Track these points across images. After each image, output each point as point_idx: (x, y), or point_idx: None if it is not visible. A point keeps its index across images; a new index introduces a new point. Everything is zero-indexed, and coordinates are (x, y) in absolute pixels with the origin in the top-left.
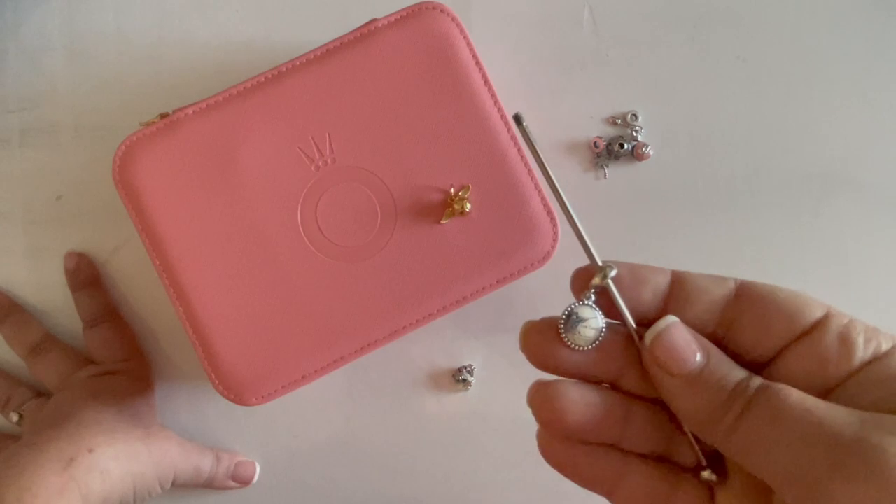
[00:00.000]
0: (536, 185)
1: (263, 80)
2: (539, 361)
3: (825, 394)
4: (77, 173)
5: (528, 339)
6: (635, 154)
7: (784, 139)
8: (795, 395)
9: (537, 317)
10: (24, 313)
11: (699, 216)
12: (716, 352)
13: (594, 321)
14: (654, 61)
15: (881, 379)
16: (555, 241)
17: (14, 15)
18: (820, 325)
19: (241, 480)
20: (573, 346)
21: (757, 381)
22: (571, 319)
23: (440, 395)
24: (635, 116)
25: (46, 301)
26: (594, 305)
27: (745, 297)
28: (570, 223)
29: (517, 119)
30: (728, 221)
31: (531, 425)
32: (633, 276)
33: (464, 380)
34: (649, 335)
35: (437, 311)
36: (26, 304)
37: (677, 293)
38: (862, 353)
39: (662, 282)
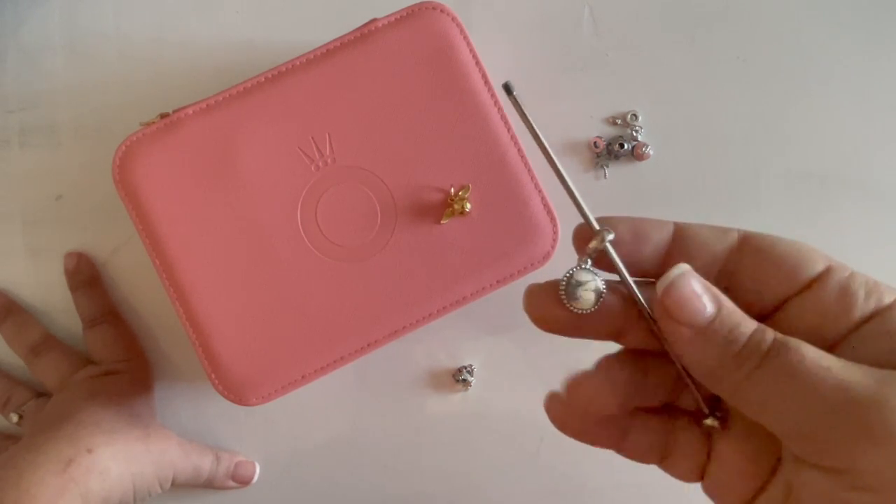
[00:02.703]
0: (536, 185)
1: (263, 80)
2: (541, 322)
3: (828, 349)
4: (77, 173)
5: (530, 302)
6: (635, 154)
7: (784, 139)
8: (812, 353)
9: None
10: (24, 313)
11: (699, 216)
12: (727, 302)
13: (593, 283)
14: (654, 61)
15: (883, 332)
16: (555, 241)
17: (14, 15)
18: (821, 278)
19: (241, 480)
20: (575, 310)
21: (771, 334)
22: (571, 284)
23: (440, 395)
24: (635, 116)
25: (46, 301)
26: (593, 269)
27: (748, 248)
28: (564, 188)
29: (507, 89)
30: (728, 221)
31: (531, 425)
32: (634, 232)
33: (464, 380)
34: (660, 285)
35: (437, 311)
36: (26, 304)
37: (679, 246)
38: (863, 306)
39: (664, 236)
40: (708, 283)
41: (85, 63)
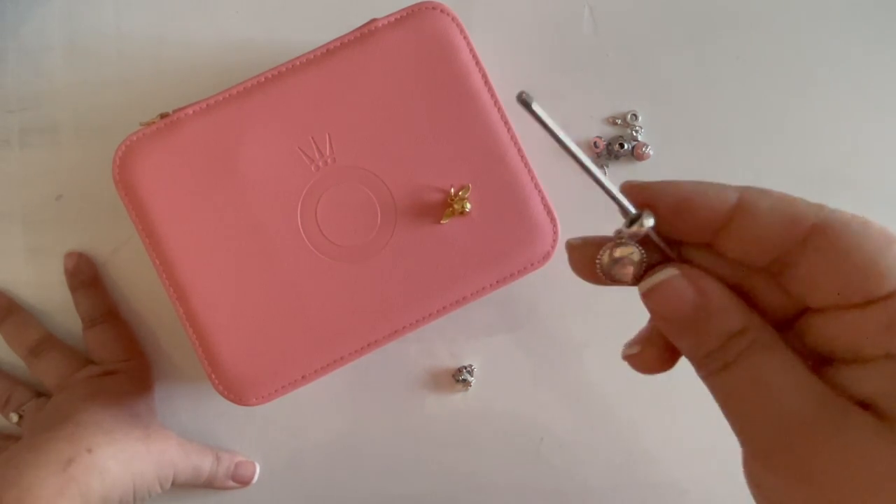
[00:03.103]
0: (536, 185)
1: (263, 80)
2: (586, 277)
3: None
4: (77, 173)
5: (574, 258)
6: (635, 154)
7: (784, 139)
8: (771, 368)
9: (537, 316)
10: (24, 313)
11: None
12: (718, 304)
13: (630, 257)
14: (654, 61)
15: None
16: (555, 241)
17: (14, 15)
18: (891, 297)
19: (241, 481)
20: (613, 283)
21: (748, 339)
22: (607, 262)
23: (440, 395)
24: (635, 116)
25: (46, 301)
26: (631, 242)
27: (818, 244)
28: (594, 180)
29: (525, 101)
30: None
31: (531, 425)
32: (678, 208)
33: (464, 380)
34: (643, 286)
35: (437, 311)
36: (26, 304)
37: (739, 225)
38: None
39: (719, 212)
40: (701, 283)
41: (85, 63)
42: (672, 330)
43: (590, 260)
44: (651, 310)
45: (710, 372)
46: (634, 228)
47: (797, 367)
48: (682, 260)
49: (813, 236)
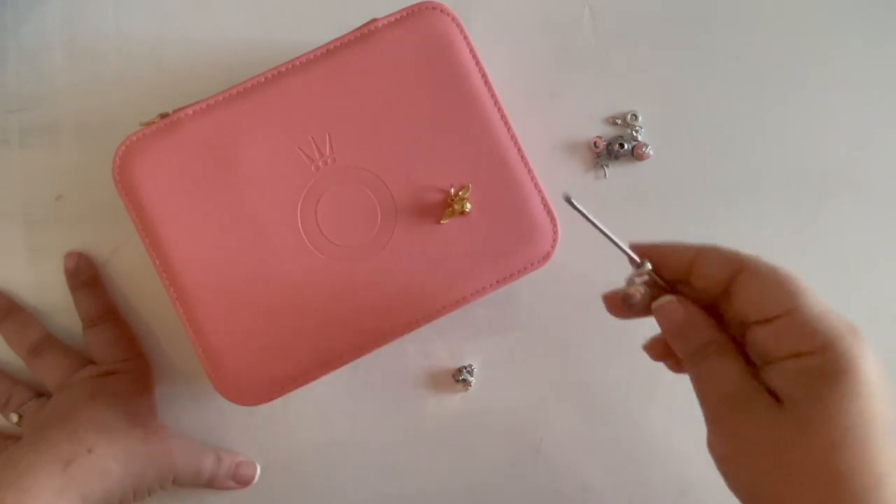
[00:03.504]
0: (536, 185)
1: (263, 80)
2: (617, 314)
3: (767, 362)
4: (77, 173)
5: (607, 304)
6: (635, 154)
7: (784, 139)
8: (723, 366)
9: (537, 316)
10: (24, 313)
11: (699, 216)
12: (695, 320)
13: (637, 295)
14: (654, 61)
15: (793, 371)
16: (555, 241)
17: (14, 15)
18: (787, 313)
19: (242, 481)
20: (632, 307)
21: (713, 346)
22: (625, 298)
23: (440, 395)
24: (635, 116)
25: (46, 301)
26: (639, 285)
27: (743, 278)
28: (612, 242)
29: (567, 199)
30: (728, 221)
31: (531, 425)
32: (659, 258)
33: (464, 380)
34: (653, 306)
35: (437, 311)
36: (26, 304)
37: (697, 265)
38: (795, 347)
39: (683, 261)
40: (685, 306)
41: (85, 63)
42: (670, 336)
43: (619, 302)
44: (658, 322)
45: (690, 366)
46: (641, 276)
47: (738, 365)
48: (675, 291)
49: (739, 275)
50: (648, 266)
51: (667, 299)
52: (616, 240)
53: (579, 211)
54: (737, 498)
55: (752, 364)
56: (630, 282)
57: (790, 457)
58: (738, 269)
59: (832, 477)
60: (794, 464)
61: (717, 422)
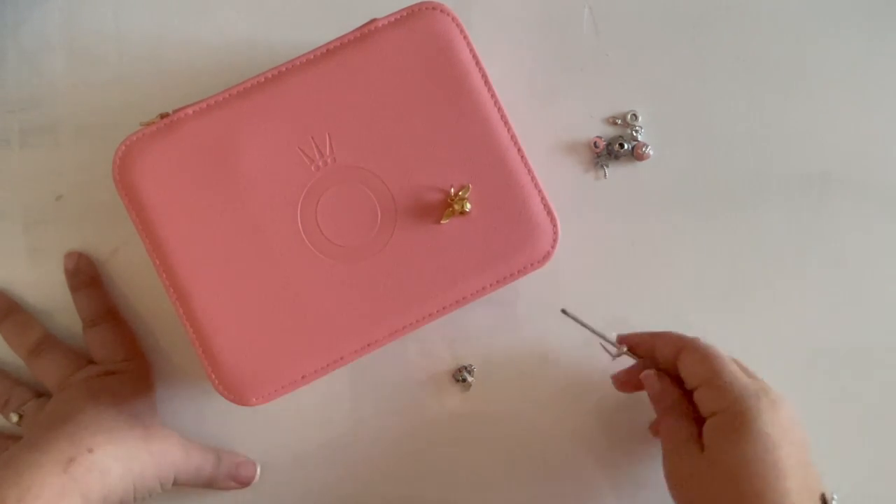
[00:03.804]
0: (536, 185)
1: (263, 80)
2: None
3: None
4: (77, 173)
5: (617, 385)
6: (635, 154)
7: (784, 139)
8: (674, 419)
9: (537, 316)
10: (24, 313)
11: (699, 216)
12: (665, 389)
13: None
14: (654, 61)
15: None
16: (555, 241)
17: (14, 15)
18: (703, 384)
19: (242, 481)
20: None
21: (672, 410)
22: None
23: (440, 395)
24: (635, 116)
25: (46, 301)
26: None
27: (682, 357)
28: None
29: (564, 312)
30: (728, 221)
31: (530, 425)
32: (649, 348)
33: (464, 380)
34: (640, 376)
35: (437, 311)
36: (26, 304)
37: (658, 351)
38: (714, 407)
39: (649, 344)
40: (659, 377)
41: (85, 63)
42: (650, 396)
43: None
44: (644, 387)
45: (660, 418)
46: (618, 351)
47: (686, 422)
48: (654, 362)
49: (680, 353)
50: (624, 348)
51: (650, 372)
52: (602, 333)
53: (575, 319)
54: None
55: (699, 416)
56: (616, 356)
57: (704, 486)
58: (680, 348)
59: (727, 502)
60: (708, 493)
61: (666, 459)
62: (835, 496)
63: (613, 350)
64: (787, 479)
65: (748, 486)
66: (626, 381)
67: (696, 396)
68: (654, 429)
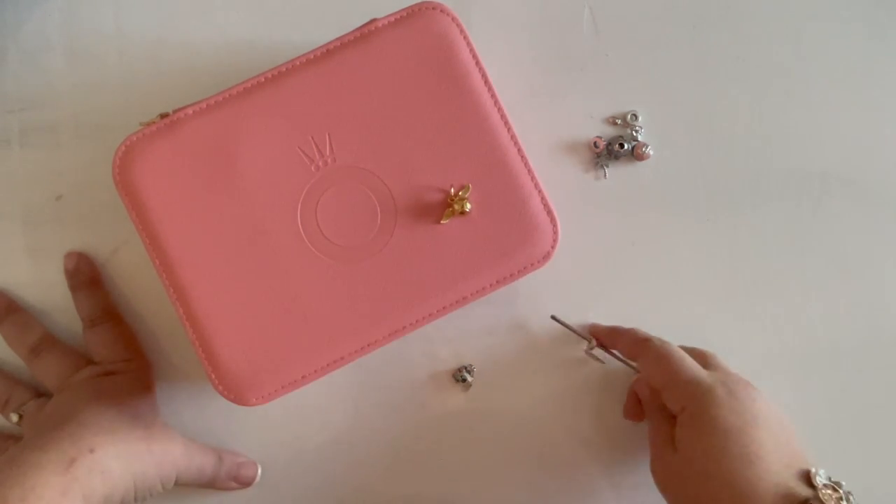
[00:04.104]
0: (536, 185)
1: (263, 80)
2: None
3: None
4: (77, 173)
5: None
6: (635, 154)
7: (784, 139)
8: (658, 419)
9: (537, 316)
10: (24, 313)
11: (699, 216)
12: (652, 394)
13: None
14: (654, 61)
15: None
16: (555, 241)
17: (14, 15)
18: (667, 383)
19: (243, 481)
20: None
21: (654, 414)
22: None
23: (440, 395)
24: (635, 116)
25: (46, 301)
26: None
27: (642, 358)
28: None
29: (554, 318)
30: (728, 221)
31: (530, 425)
32: (607, 340)
33: (464, 380)
34: (633, 382)
35: (437, 311)
36: (26, 304)
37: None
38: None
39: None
40: (643, 384)
41: (85, 63)
42: (643, 397)
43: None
44: (636, 390)
45: (650, 416)
46: (590, 346)
47: (665, 424)
48: (631, 359)
49: (638, 360)
50: (594, 342)
51: (640, 378)
52: (577, 330)
53: (565, 325)
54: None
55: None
56: (588, 352)
57: (684, 486)
58: (637, 353)
59: (705, 498)
60: (688, 491)
61: (651, 462)
62: (820, 472)
63: (594, 349)
64: (758, 463)
65: (718, 479)
66: (632, 410)
67: (663, 398)
68: (625, 412)
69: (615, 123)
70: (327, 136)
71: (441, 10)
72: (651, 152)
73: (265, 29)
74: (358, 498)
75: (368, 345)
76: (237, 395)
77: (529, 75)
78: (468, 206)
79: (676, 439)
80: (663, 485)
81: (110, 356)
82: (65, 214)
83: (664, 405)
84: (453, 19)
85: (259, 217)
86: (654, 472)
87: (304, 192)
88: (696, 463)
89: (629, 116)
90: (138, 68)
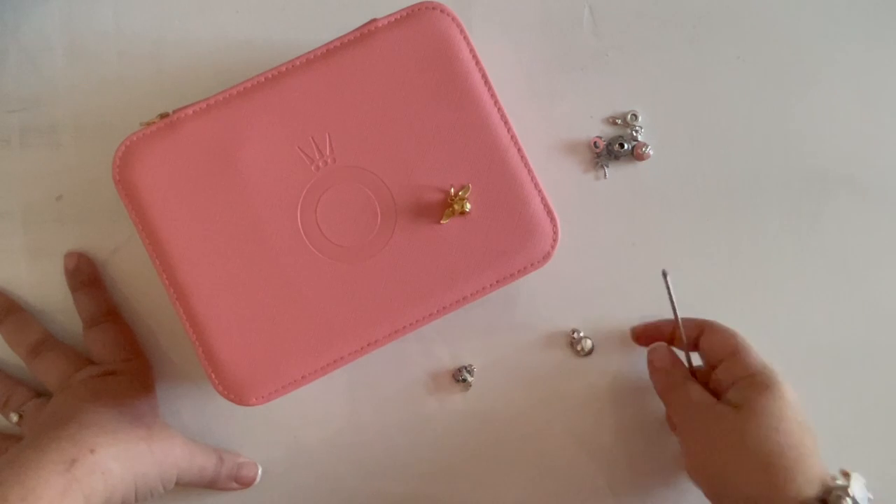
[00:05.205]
0: (536, 185)
1: (263, 80)
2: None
3: (723, 391)
4: (77, 173)
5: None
6: (635, 154)
7: (784, 139)
8: (692, 388)
9: (537, 316)
10: (24, 313)
11: (699, 216)
12: (676, 362)
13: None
14: (654, 61)
15: (736, 391)
16: (555, 241)
17: (14, 15)
18: (728, 358)
19: (244, 482)
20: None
21: (684, 380)
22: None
23: (440, 395)
24: (635, 116)
25: (46, 301)
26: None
27: (704, 336)
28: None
29: (664, 273)
30: (728, 221)
31: (530, 425)
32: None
33: (464, 380)
34: (649, 348)
35: (437, 311)
36: (26, 304)
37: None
38: (733, 376)
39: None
40: (669, 352)
41: (85, 63)
42: (655, 372)
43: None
44: (650, 358)
45: (669, 394)
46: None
47: (701, 387)
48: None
49: (702, 334)
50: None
51: (660, 345)
52: (673, 300)
53: (668, 290)
54: (702, 486)
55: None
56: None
57: (743, 440)
58: (703, 328)
59: (770, 454)
60: (747, 446)
61: (691, 427)
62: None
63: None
64: (811, 436)
65: (785, 439)
66: (646, 335)
67: (721, 368)
68: (673, 422)
69: (615, 123)
70: (327, 136)
71: (441, 11)
72: (651, 152)
73: (265, 29)
74: (358, 498)
75: (368, 345)
76: (237, 395)
77: (529, 75)
78: (468, 206)
79: (736, 400)
80: (710, 446)
81: (110, 356)
82: (65, 214)
83: (690, 373)
84: (453, 19)
85: (259, 217)
86: (700, 436)
87: (304, 192)
88: (763, 419)
89: (629, 116)
90: (138, 68)
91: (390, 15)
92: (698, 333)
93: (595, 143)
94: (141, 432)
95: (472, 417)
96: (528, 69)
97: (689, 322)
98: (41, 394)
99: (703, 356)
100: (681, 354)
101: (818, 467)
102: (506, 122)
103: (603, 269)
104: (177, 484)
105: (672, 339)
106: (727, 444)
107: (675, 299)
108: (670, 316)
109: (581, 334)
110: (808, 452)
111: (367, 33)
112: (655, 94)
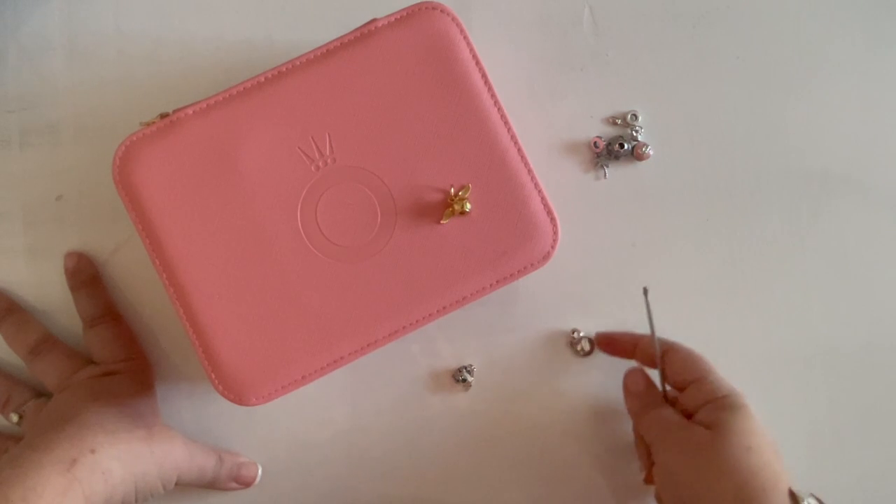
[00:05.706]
0: (536, 185)
1: (263, 80)
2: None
3: (691, 412)
4: (77, 173)
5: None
6: (635, 154)
7: (784, 139)
8: (665, 412)
9: (537, 316)
10: (24, 313)
11: (699, 216)
12: (650, 385)
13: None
14: (654, 61)
15: (705, 412)
16: (555, 241)
17: (14, 15)
18: (695, 381)
19: (244, 482)
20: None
21: (658, 403)
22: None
23: (440, 395)
24: (635, 116)
25: (46, 301)
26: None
27: (668, 358)
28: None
29: (644, 291)
30: (728, 221)
31: (530, 425)
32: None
33: (464, 380)
34: (626, 371)
35: (437, 311)
36: (26, 304)
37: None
38: (703, 398)
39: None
40: (644, 375)
41: (85, 63)
42: (630, 395)
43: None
44: (625, 381)
45: (642, 416)
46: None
47: (673, 411)
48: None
49: (666, 355)
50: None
51: (635, 368)
52: (651, 317)
53: (647, 307)
54: None
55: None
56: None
57: (717, 459)
58: (665, 349)
59: (746, 472)
60: (720, 465)
61: (664, 447)
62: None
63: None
64: (779, 456)
65: (757, 458)
66: (610, 344)
67: (690, 389)
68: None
69: (615, 123)
70: (327, 136)
71: (441, 10)
72: (651, 152)
73: (265, 29)
74: (358, 498)
75: (368, 345)
76: (237, 395)
77: (529, 75)
78: (468, 206)
79: (709, 420)
80: (684, 467)
81: (110, 356)
82: (65, 214)
83: (662, 396)
84: (453, 19)
85: (259, 217)
86: (673, 456)
87: (304, 192)
88: (737, 437)
89: (629, 116)
90: (138, 68)
91: (390, 15)
92: (662, 353)
93: (595, 143)
94: (141, 432)
95: (472, 417)
96: (528, 69)
97: (650, 341)
98: (41, 394)
99: (664, 376)
100: (651, 373)
101: (787, 488)
102: (506, 122)
103: (603, 269)
104: (177, 484)
105: (633, 353)
106: (700, 462)
107: (652, 317)
108: (666, 336)
109: (581, 334)
110: (778, 471)
111: (367, 33)
112: (655, 94)
